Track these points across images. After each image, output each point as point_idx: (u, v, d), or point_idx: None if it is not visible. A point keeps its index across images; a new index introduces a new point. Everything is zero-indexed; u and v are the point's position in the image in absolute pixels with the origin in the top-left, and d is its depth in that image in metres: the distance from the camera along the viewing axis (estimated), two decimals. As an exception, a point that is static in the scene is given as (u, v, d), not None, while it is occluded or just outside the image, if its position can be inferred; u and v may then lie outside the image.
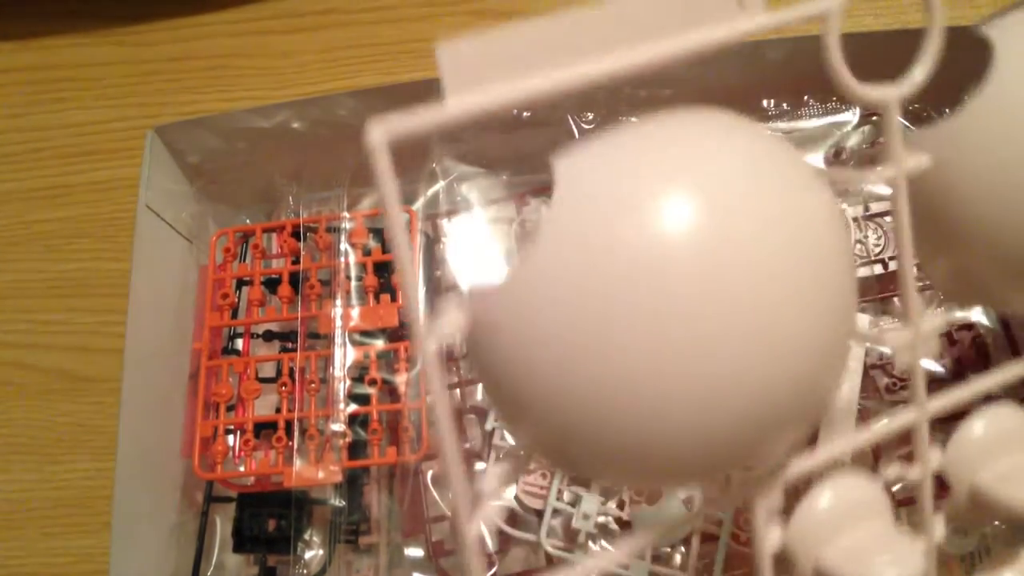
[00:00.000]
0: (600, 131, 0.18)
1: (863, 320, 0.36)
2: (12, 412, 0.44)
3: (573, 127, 0.40)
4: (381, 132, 0.15)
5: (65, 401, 0.44)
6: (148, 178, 0.38)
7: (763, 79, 0.39)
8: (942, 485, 0.22)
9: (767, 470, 0.20)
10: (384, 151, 0.15)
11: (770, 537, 0.20)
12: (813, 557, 0.20)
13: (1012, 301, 0.24)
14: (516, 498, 0.35)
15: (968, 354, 0.36)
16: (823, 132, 0.40)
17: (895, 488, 0.34)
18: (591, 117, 0.40)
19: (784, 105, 0.40)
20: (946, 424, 0.23)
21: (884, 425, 0.22)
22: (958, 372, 0.36)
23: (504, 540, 0.36)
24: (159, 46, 0.49)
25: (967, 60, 0.21)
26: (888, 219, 0.38)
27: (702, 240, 0.16)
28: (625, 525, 0.34)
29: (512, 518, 0.35)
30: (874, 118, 0.39)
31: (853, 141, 0.40)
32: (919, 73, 0.19)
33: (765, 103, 0.40)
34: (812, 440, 0.34)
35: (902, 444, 0.34)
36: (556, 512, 0.35)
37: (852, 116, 0.40)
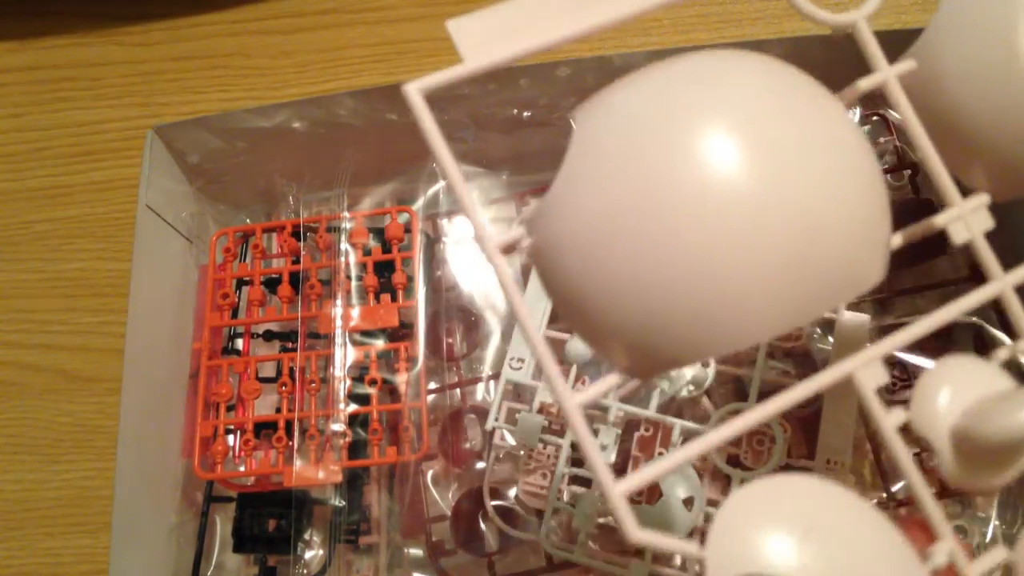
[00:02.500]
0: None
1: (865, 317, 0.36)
2: (12, 412, 0.44)
3: (574, 127, 0.40)
4: (416, 88, 0.17)
5: (65, 401, 0.44)
6: (148, 178, 0.38)
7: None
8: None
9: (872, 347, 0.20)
10: (423, 104, 0.17)
11: (892, 415, 0.20)
12: (947, 424, 0.20)
13: None
14: (516, 498, 0.35)
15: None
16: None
17: (896, 488, 0.34)
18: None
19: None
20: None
21: (967, 300, 0.21)
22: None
23: (504, 540, 0.36)
24: (159, 46, 0.49)
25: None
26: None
27: (739, 165, 0.17)
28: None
29: (512, 518, 0.35)
30: (875, 117, 0.39)
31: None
32: None
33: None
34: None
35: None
36: (556, 512, 0.35)
37: (852, 116, 0.39)
